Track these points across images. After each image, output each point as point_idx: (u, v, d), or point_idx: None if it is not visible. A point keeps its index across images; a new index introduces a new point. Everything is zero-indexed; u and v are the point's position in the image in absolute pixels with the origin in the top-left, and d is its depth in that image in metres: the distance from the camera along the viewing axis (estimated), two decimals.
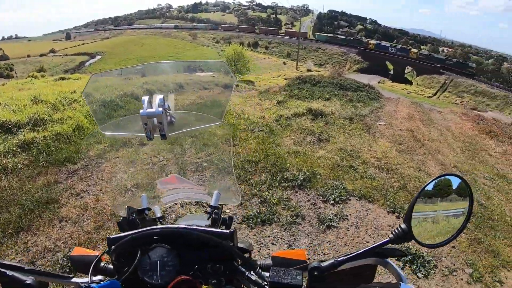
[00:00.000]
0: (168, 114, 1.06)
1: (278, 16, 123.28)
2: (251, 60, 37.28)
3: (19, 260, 3.16)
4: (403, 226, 0.89)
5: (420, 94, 48.57)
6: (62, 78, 13.20)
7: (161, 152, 2.13)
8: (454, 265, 3.86)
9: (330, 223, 4.12)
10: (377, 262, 0.93)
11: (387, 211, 4.60)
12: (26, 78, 18.50)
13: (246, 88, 17.90)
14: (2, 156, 4.81)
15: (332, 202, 4.59)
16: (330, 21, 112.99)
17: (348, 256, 0.89)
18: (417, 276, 3.56)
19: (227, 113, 8.48)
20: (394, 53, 67.92)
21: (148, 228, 0.87)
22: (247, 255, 0.92)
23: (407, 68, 66.92)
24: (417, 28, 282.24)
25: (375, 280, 1.00)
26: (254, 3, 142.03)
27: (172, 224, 0.93)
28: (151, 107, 0.98)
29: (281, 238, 3.78)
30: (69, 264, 2.21)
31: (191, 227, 0.89)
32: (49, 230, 3.60)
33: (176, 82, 1.39)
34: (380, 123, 9.37)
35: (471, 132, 11.81)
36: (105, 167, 4.01)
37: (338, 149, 6.54)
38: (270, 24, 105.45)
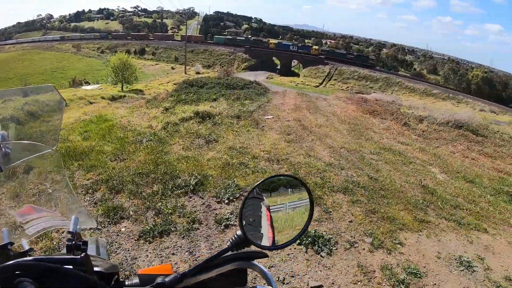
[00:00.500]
0: (1, 146, 1.00)
1: (164, 20, 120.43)
2: (138, 68, 35.75)
3: None
4: (238, 233, 0.89)
5: (308, 85, 52.47)
6: None
7: (3, 185, 1.97)
8: (354, 237, 4.18)
9: (228, 222, 4.17)
10: (244, 266, 0.94)
11: None
12: None
13: (134, 98, 17.22)
14: None
15: (226, 201, 4.65)
16: (217, 22, 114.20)
17: (201, 266, 0.89)
18: (321, 256, 3.75)
19: (113, 126, 8.09)
20: (296, 51, 70.15)
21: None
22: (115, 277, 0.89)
23: (293, 62, 71.16)
24: (301, 23, 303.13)
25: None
26: (139, 9, 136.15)
27: (28, 256, 0.88)
28: None
29: (181, 246, 3.72)
30: None
31: (39, 257, 0.82)
32: None
33: (8, 111, 1.32)
34: (268, 117, 9.85)
35: (355, 114, 13.15)
36: None
37: (228, 148, 6.66)
38: (156, 30, 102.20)
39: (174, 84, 26.05)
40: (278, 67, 69.85)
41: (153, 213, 4.30)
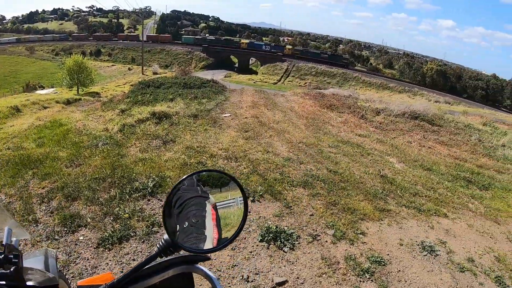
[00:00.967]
0: None
1: (120, 20, 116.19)
2: (94, 70, 34.34)
3: None
4: (165, 237, 0.86)
5: (266, 82, 53.03)
6: None
7: None
8: (316, 230, 4.18)
9: None
10: (188, 270, 0.92)
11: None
12: None
13: (90, 101, 16.59)
14: None
15: None
16: (174, 21, 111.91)
17: (129, 275, 0.86)
18: (284, 251, 3.72)
19: (68, 131, 7.86)
20: (269, 51, 69.03)
21: None
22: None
23: (251, 60, 71.28)
24: (258, 21, 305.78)
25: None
26: (95, 8, 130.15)
27: None
28: None
29: (141, 251, 3.62)
30: None
31: None
32: None
33: None
34: (226, 115, 9.72)
35: (313, 109, 13.34)
36: None
37: (185, 148, 6.51)
38: (112, 30, 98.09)
39: (131, 85, 25.46)
40: (236, 65, 69.70)
41: (111, 218, 4.16)
